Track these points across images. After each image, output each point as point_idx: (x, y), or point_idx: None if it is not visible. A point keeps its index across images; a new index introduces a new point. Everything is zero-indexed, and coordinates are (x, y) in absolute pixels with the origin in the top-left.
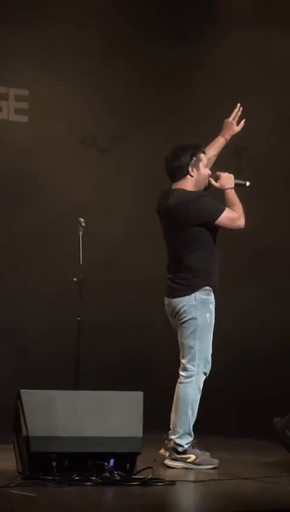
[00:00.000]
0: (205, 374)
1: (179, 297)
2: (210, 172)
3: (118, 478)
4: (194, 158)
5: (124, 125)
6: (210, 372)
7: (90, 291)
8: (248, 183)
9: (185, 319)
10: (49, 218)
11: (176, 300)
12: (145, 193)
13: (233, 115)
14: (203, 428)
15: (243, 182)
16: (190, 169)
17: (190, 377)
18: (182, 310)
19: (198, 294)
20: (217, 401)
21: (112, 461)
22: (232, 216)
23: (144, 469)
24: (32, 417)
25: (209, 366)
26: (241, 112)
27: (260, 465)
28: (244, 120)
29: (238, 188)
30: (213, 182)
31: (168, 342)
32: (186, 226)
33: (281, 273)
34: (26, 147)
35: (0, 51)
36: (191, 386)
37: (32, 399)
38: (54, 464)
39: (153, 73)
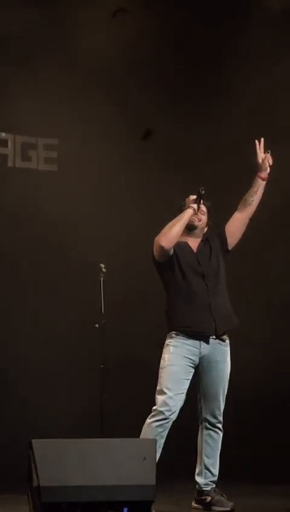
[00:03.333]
0: (161, 412)
1: None
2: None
3: None
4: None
5: (151, 174)
6: (238, 417)
7: (113, 337)
8: (200, 189)
9: None
10: (71, 266)
11: None
12: None
13: (258, 152)
14: (236, 475)
15: (198, 193)
16: None
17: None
18: None
19: (166, 339)
20: (248, 448)
21: (125, 510)
22: (155, 241)
23: None
24: (43, 467)
25: (168, 408)
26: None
27: (282, 511)
28: (269, 152)
29: (201, 198)
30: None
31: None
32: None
33: None
34: (56, 196)
35: (28, 102)
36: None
37: (43, 448)
38: None
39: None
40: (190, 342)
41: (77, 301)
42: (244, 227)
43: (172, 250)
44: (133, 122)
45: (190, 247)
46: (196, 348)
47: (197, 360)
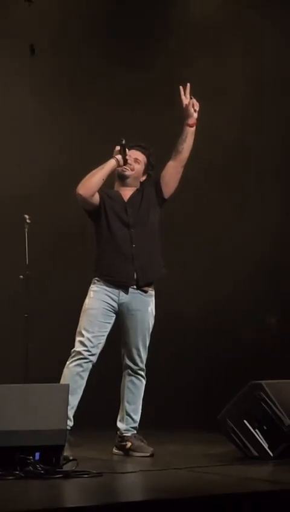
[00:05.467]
0: (78, 353)
1: None
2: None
3: (42, 471)
4: None
5: (79, 125)
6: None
7: (37, 288)
8: (120, 140)
9: None
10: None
11: None
12: None
13: (183, 99)
14: (161, 422)
15: (120, 144)
16: None
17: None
18: None
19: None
20: (175, 395)
21: (37, 455)
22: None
23: (69, 461)
24: None
25: (86, 349)
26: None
27: (202, 456)
28: (192, 98)
29: (124, 149)
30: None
31: (116, 336)
32: None
33: None
34: None
35: None
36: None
37: None
38: None
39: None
40: (110, 289)
41: (1, 253)
42: (178, 175)
43: (94, 198)
44: (59, 71)
45: (121, 196)
46: (114, 295)
47: (116, 306)
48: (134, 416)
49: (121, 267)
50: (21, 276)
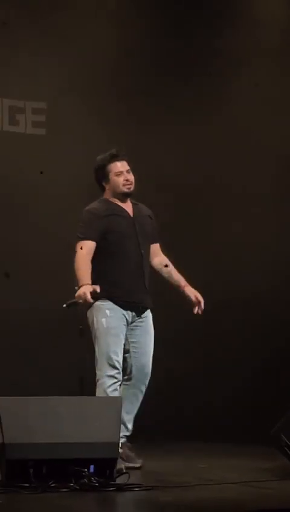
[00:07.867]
0: (112, 377)
1: None
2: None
3: (96, 484)
4: (100, 173)
5: (134, 144)
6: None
7: None
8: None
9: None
10: (56, 234)
11: None
12: None
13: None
14: (214, 435)
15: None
16: (103, 184)
17: (97, 381)
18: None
19: (96, 303)
20: (229, 408)
21: (92, 467)
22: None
23: (121, 474)
24: (8, 424)
25: (118, 371)
26: None
27: (256, 470)
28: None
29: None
30: None
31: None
32: None
33: None
34: (44, 160)
35: (17, 65)
36: (97, 390)
37: (8, 405)
38: (31, 471)
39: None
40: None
41: (60, 270)
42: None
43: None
44: (122, 84)
45: (125, 210)
46: (128, 311)
47: (130, 321)
48: (128, 425)
49: (137, 288)
50: (76, 287)
